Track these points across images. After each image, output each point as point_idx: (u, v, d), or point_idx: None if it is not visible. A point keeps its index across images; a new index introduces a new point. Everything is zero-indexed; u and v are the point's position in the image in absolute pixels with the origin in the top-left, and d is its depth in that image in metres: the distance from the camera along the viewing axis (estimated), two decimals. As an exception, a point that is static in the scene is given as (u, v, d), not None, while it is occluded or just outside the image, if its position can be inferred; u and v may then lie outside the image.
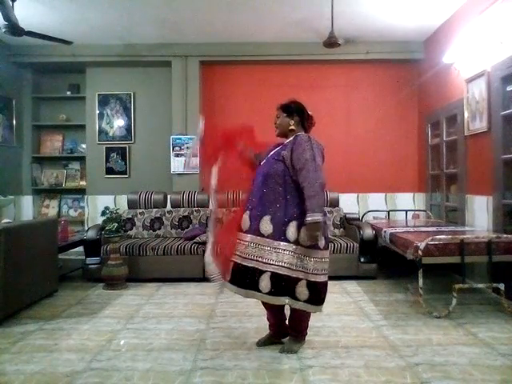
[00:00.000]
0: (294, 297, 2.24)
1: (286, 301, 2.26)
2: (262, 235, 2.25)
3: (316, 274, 2.24)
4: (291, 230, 2.22)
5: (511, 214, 3.42)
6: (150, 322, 3.01)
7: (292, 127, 2.43)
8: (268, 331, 2.58)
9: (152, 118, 5.49)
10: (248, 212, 2.33)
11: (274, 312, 2.50)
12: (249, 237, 2.29)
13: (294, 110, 2.45)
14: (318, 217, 2.14)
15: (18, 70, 5.39)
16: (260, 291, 2.23)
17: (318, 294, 2.27)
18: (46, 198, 5.73)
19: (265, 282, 2.22)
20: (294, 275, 2.22)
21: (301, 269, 2.22)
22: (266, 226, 2.25)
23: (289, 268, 2.21)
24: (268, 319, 2.57)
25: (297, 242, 2.22)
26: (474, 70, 3.86)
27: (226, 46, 5.19)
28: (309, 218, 2.14)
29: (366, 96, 5.42)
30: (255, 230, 2.27)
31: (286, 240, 2.23)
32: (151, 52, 5.21)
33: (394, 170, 5.40)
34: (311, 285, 2.23)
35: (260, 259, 2.24)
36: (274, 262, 2.22)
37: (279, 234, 2.23)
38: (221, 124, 5.39)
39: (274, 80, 5.33)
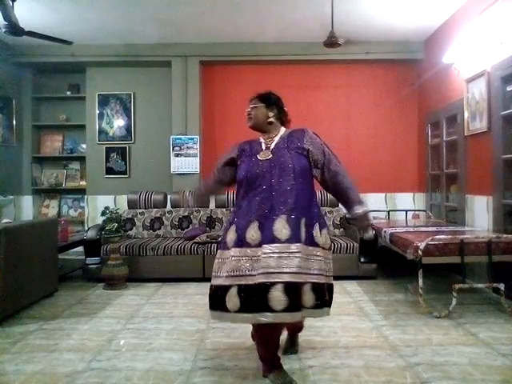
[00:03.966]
0: (324, 305, 1.99)
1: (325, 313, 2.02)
2: (300, 241, 1.93)
3: (331, 276, 2.07)
4: (317, 233, 2.00)
5: (511, 214, 3.42)
6: (150, 322, 3.01)
7: (271, 119, 2.16)
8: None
9: (152, 118, 5.49)
10: (279, 219, 1.93)
11: (276, 337, 2.13)
12: (277, 247, 1.89)
13: (273, 102, 2.19)
14: (366, 207, 2.10)
15: (18, 69, 5.39)
16: (299, 310, 1.88)
17: (331, 297, 2.08)
18: (46, 197, 5.72)
19: (308, 297, 1.91)
20: (324, 281, 1.98)
21: (326, 273, 2.00)
22: (302, 230, 1.95)
23: (320, 274, 1.96)
24: (267, 354, 2.11)
25: (323, 246, 2.01)
26: (474, 70, 3.86)
27: (226, 46, 5.19)
28: (361, 210, 2.06)
29: (366, 96, 5.42)
30: (295, 238, 1.91)
31: (315, 244, 1.97)
32: (151, 52, 5.21)
33: (394, 170, 5.40)
34: (330, 287, 2.05)
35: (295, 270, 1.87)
36: (312, 272, 1.93)
37: (310, 239, 1.96)
38: (220, 124, 5.44)
39: (274, 80, 5.32)
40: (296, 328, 2.40)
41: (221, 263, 2.00)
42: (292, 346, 2.44)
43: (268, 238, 1.91)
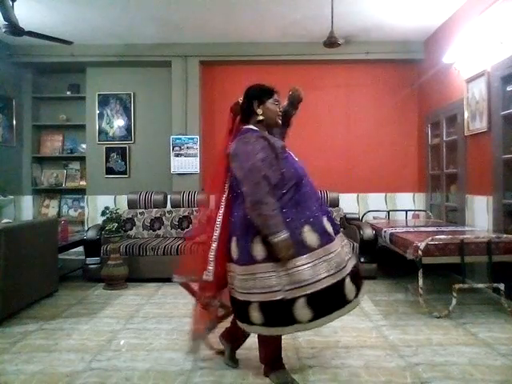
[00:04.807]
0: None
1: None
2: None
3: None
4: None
5: (511, 214, 3.42)
6: (150, 322, 3.01)
7: None
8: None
9: (152, 118, 5.49)
10: (326, 217, 2.01)
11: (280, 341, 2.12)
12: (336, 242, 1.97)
13: None
14: None
15: (18, 69, 5.39)
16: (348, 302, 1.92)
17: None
18: (45, 197, 5.72)
19: (349, 287, 1.92)
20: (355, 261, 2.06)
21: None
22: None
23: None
24: (273, 355, 2.10)
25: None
26: (474, 70, 3.86)
27: (226, 46, 5.19)
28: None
29: (366, 96, 5.42)
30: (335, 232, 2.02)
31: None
32: (151, 52, 5.21)
33: (394, 170, 5.40)
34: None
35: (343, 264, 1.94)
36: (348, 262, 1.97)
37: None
38: (220, 124, 5.43)
39: (274, 80, 5.28)
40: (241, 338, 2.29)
41: (316, 266, 1.84)
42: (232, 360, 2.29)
43: (337, 229, 2.02)
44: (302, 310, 1.81)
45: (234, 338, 2.28)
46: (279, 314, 1.84)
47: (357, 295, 1.95)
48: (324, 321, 1.87)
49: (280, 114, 2.09)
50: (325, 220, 1.96)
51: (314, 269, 1.84)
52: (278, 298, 1.82)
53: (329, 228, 1.95)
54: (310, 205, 1.94)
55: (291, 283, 1.82)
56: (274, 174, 1.89)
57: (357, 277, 1.98)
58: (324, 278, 1.83)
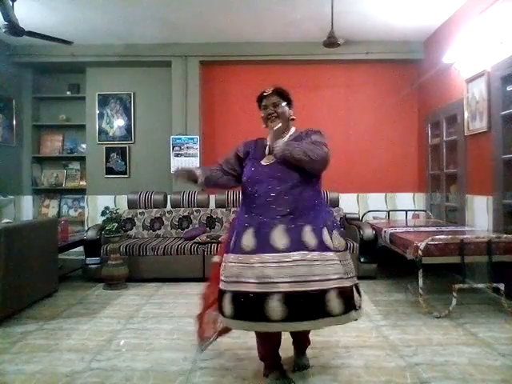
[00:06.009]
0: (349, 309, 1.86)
1: (354, 316, 1.89)
2: (307, 248, 1.83)
3: (354, 277, 1.97)
4: (327, 237, 1.90)
5: (511, 214, 3.42)
6: (150, 321, 3.01)
7: (293, 117, 2.11)
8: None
9: (152, 118, 5.49)
10: (284, 225, 1.86)
11: (276, 337, 2.09)
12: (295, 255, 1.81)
13: (291, 99, 2.11)
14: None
15: (18, 69, 5.39)
16: (331, 315, 1.79)
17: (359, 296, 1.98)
18: (46, 197, 5.73)
19: (333, 302, 1.79)
20: (348, 284, 1.88)
21: (346, 275, 1.89)
22: (308, 237, 1.85)
23: (340, 278, 1.85)
24: (267, 354, 2.11)
25: (336, 248, 1.92)
26: (474, 70, 3.86)
27: (225, 46, 5.19)
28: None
29: (366, 96, 5.42)
30: (293, 247, 1.83)
31: (327, 249, 1.88)
32: (151, 52, 5.21)
33: (394, 170, 5.40)
34: (356, 288, 1.96)
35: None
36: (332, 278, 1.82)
37: (320, 244, 1.86)
38: (220, 124, 5.44)
39: (274, 80, 5.26)
40: (301, 343, 2.27)
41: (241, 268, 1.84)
42: (306, 360, 2.27)
43: (264, 247, 1.83)
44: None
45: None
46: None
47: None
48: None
49: (268, 115, 2.06)
50: (249, 233, 1.88)
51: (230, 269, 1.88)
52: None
53: (246, 242, 1.87)
54: (244, 214, 1.99)
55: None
56: (228, 164, 2.15)
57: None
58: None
